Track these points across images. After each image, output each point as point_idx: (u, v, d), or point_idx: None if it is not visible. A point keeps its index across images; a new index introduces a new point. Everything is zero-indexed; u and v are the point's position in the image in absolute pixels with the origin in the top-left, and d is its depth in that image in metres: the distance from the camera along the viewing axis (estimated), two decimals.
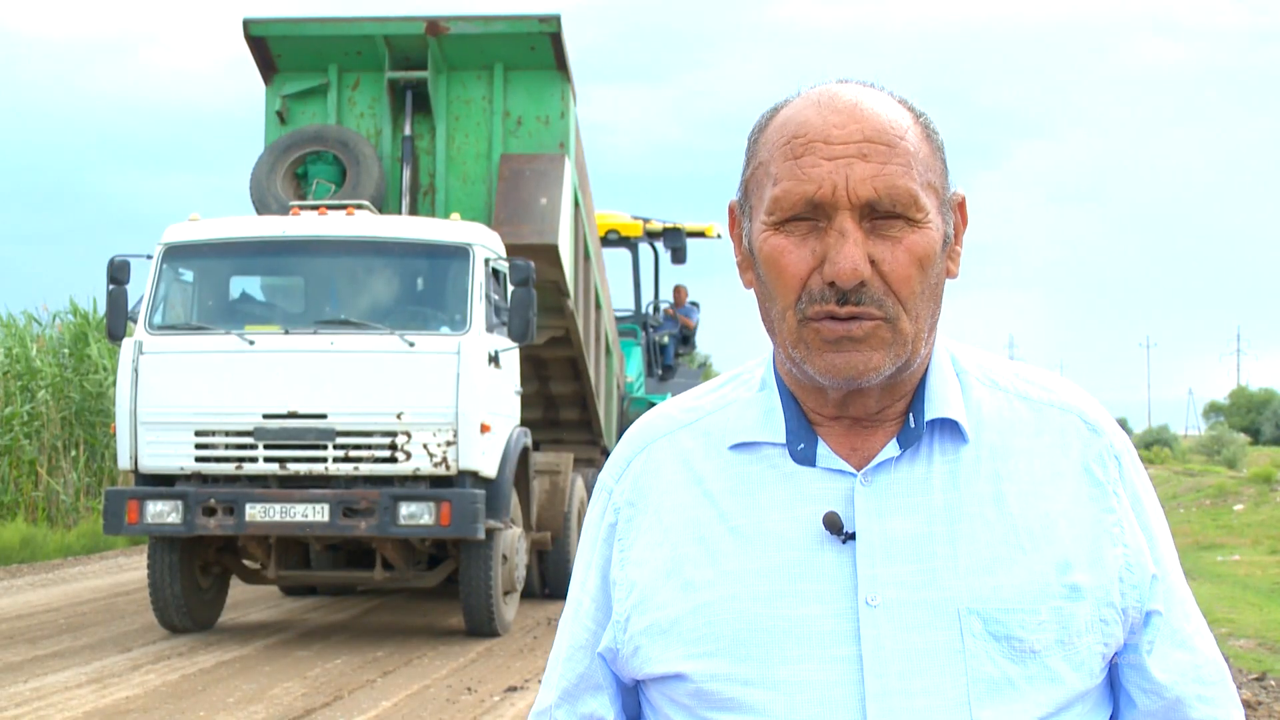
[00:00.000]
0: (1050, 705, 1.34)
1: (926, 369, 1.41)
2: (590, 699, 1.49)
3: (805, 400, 1.41)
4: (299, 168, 10.68)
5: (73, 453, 16.75)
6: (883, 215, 1.32)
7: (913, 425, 1.39)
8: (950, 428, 1.40)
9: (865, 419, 1.39)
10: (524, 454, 10.23)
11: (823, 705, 1.32)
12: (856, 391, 1.37)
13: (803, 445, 1.39)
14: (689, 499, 1.42)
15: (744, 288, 1.43)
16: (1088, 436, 1.42)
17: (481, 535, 9.09)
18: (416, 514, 8.92)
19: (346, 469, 9.04)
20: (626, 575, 1.43)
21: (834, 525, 1.35)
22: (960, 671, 1.32)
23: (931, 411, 1.39)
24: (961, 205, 1.41)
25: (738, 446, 1.42)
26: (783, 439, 1.40)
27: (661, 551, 1.41)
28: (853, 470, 1.38)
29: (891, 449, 1.38)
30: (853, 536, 1.35)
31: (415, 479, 9.11)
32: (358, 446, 9.04)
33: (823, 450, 1.39)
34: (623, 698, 1.50)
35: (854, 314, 1.31)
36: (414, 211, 10.73)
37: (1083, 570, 1.36)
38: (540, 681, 1.58)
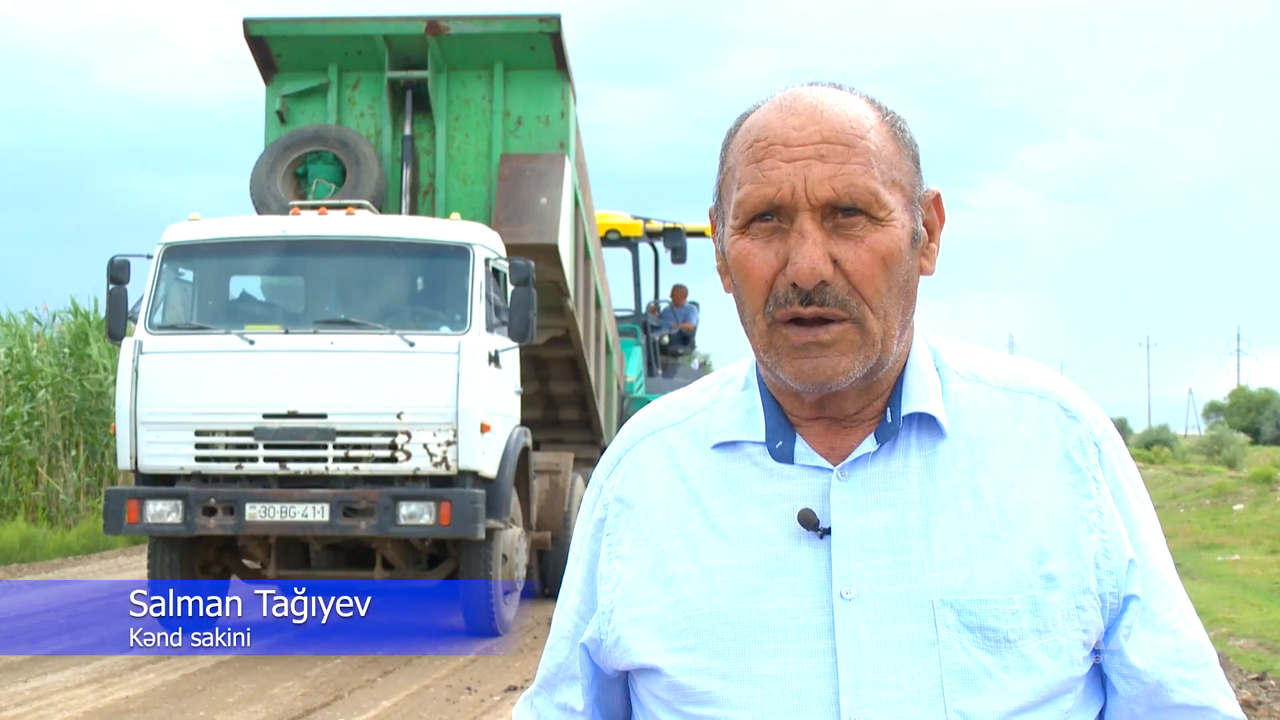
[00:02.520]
0: (1030, 694, 1.34)
1: (904, 366, 1.42)
2: (566, 689, 1.52)
3: (784, 401, 1.43)
4: (299, 168, 10.68)
5: (73, 453, 16.75)
6: (845, 214, 1.33)
7: (889, 420, 1.40)
8: (928, 422, 1.40)
9: (843, 419, 1.41)
10: (524, 454, 10.23)
11: (798, 698, 1.34)
12: (832, 394, 1.38)
13: (781, 443, 1.41)
14: (674, 496, 1.44)
15: (725, 292, 1.45)
16: (1066, 423, 1.42)
17: (481, 535, 9.09)
18: (416, 514, 8.92)
19: (346, 469, 9.05)
20: (613, 569, 1.46)
21: (809, 521, 1.37)
22: (934, 663, 1.33)
23: (908, 406, 1.40)
24: (937, 201, 1.42)
25: (720, 445, 1.44)
26: (763, 437, 1.42)
27: (647, 547, 1.44)
28: (829, 466, 1.39)
29: (869, 444, 1.39)
30: (829, 532, 1.37)
31: (415, 479, 9.11)
32: (358, 446, 9.04)
33: (801, 447, 1.40)
34: (598, 689, 1.52)
35: (818, 314, 1.33)
36: (414, 211, 10.74)
37: (1058, 558, 1.36)
38: None
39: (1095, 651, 1.41)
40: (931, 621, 1.34)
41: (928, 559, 1.35)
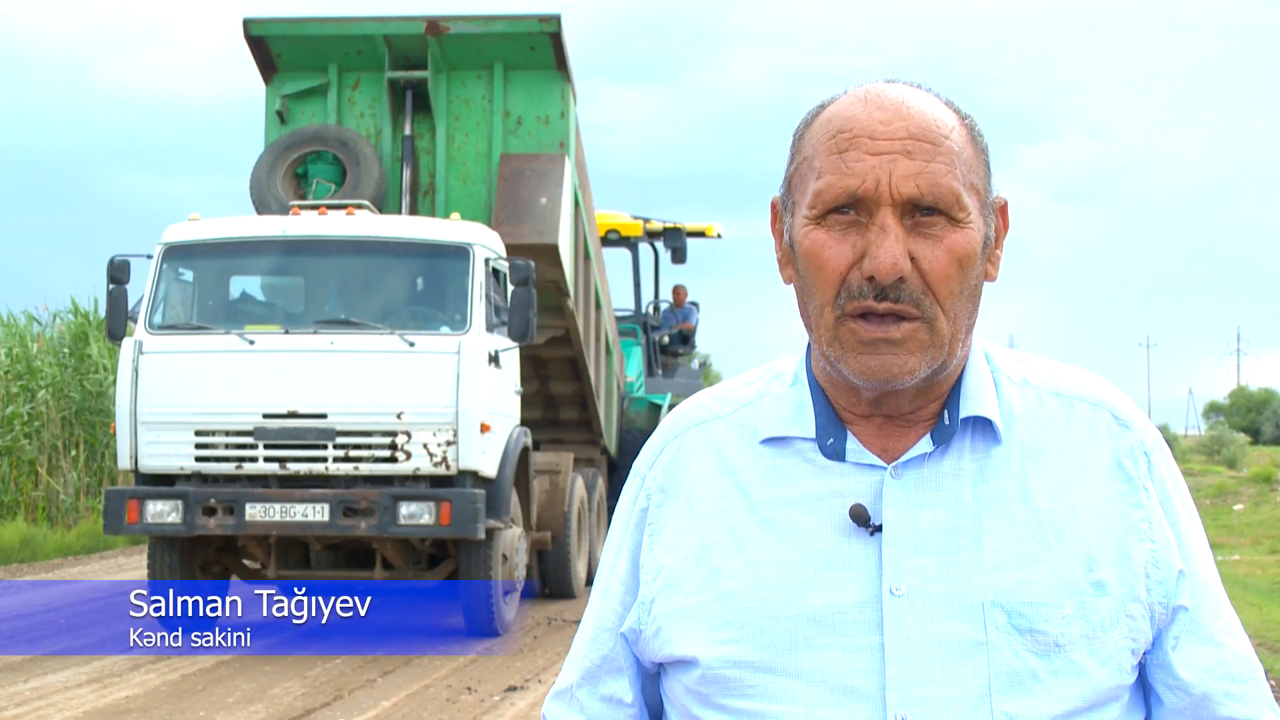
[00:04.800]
0: (1077, 699, 1.34)
1: (963, 369, 1.41)
2: (611, 681, 1.51)
3: (837, 398, 1.42)
4: (299, 168, 10.68)
5: (73, 453, 16.74)
6: (925, 213, 1.33)
7: (947, 422, 1.39)
8: (984, 426, 1.40)
9: (898, 417, 1.40)
10: (524, 454, 10.23)
11: (844, 693, 1.33)
12: (891, 392, 1.37)
13: (832, 440, 1.40)
14: (720, 488, 1.44)
15: (784, 284, 1.44)
16: (1118, 432, 1.42)
17: (481, 535, 9.09)
18: (416, 514, 8.92)
19: (346, 469, 9.05)
20: (655, 559, 1.45)
21: (860, 517, 1.36)
22: (983, 664, 1.33)
23: (966, 409, 1.39)
24: (1003, 209, 1.43)
25: (769, 440, 1.43)
26: (813, 434, 1.41)
27: (691, 538, 1.43)
28: (883, 464, 1.39)
29: (924, 444, 1.39)
30: (879, 528, 1.36)
31: (415, 479, 9.11)
32: (358, 446, 9.04)
33: (853, 445, 1.40)
34: (643, 681, 1.51)
35: (892, 310, 1.32)
36: (414, 211, 10.74)
37: (1109, 566, 1.36)
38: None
39: (1140, 663, 1.40)
40: (981, 622, 1.33)
41: (978, 560, 1.35)
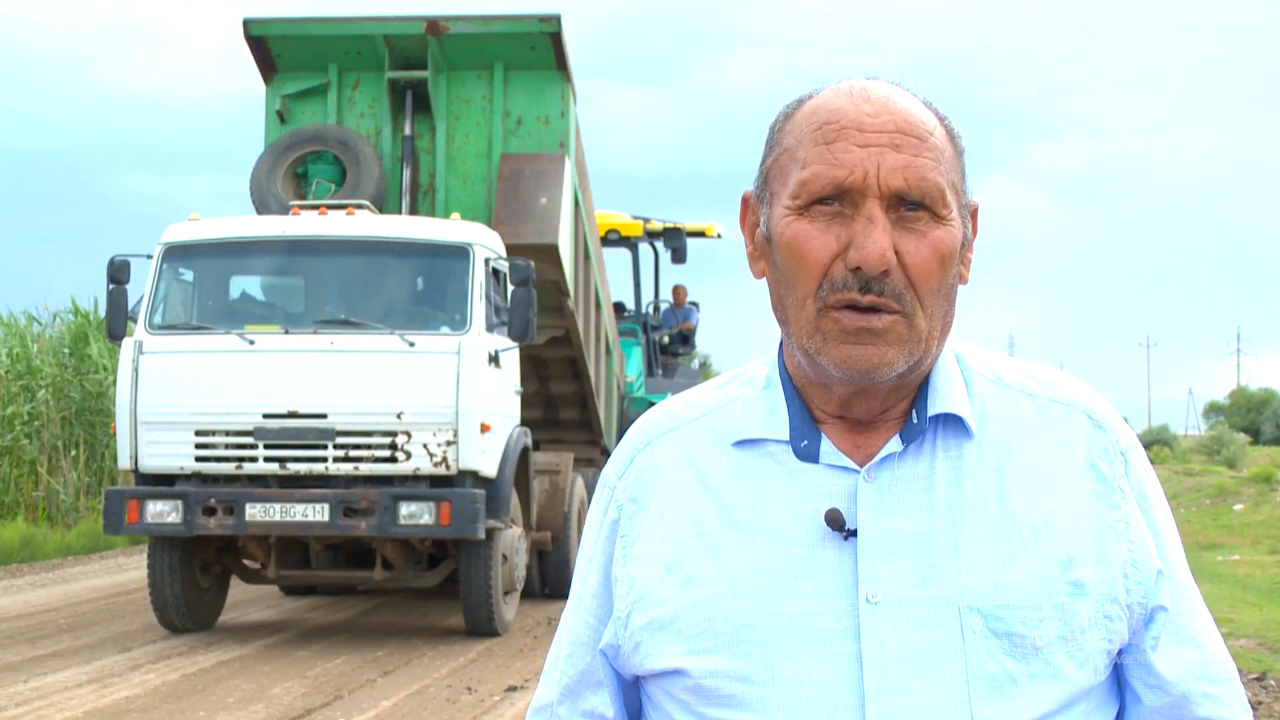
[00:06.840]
0: (1053, 702, 1.33)
1: (931, 368, 1.41)
2: (592, 696, 1.49)
3: (812, 398, 1.41)
4: (299, 168, 10.68)
5: (73, 453, 16.74)
6: (909, 207, 1.32)
7: (915, 421, 1.38)
8: (954, 423, 1.39)
9: (867, 420, 1.39)
10: (524, 454, 10.23)
11: (822, 702, 1.32)
12: (861, 392, 1.36)
13: (806, 442, 1.39)
14: (691, 495, 1.42)
15: (755, 278, 1.43)
16: (1093, 433, 1.41)
17: (481, 535, 9.09)
18: (416, 514, 8.92)
19: (346, 469, 9.04)
20: (628, 571, 1.43)
21: (835, 522, 1.35)
22: (960, 669, 1.31)
23: (935, 407, 1.38)
24: (974, 213, 1.42)
25: (741, 443, 1.42)
26: (786, 436, 1.40)
27: (663, 547, 1.41)
28: (856, 467, 1.37)
29: (894, 444, 1.37)
30: (854, 533, 1.35)
31: (415, 479, 9.11)
32: (358, 446, 9.04)
33: (826, 447, 1.39)
34: (623, 694, 1.50)
35: (874, 304, 1.31)
36: (414, 211, 10.73)
37: (1086, 567, 1.35)
38: (539, 679, 1.58)
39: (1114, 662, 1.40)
40: (958, 627, 1.32)
41: (954, 563, 1.34)
